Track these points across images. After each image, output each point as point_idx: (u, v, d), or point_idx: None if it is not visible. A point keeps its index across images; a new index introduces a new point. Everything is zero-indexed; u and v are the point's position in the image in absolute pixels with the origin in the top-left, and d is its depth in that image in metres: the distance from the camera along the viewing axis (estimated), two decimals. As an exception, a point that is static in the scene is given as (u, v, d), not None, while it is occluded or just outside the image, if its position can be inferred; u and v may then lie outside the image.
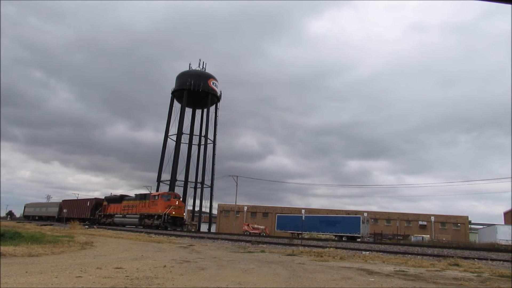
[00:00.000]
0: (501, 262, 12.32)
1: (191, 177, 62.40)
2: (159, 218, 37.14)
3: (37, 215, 66.37)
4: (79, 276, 6.85)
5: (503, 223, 62.44)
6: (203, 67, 64.56)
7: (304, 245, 17.55)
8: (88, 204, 50.97)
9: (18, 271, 7.38)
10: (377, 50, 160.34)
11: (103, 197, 54.70)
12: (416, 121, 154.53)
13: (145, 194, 44.15)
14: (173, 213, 37.35)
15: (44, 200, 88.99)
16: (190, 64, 64.66)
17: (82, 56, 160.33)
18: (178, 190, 58.73)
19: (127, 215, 42.73)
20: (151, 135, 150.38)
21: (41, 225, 41.50)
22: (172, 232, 29.89)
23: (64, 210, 55.12)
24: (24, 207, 74.63)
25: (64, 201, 60.87)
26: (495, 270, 9.70)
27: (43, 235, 20.23)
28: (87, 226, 38.10)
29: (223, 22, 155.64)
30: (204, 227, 60.84)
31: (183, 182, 61.12)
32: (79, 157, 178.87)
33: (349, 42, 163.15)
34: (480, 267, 10.41)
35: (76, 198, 66.02)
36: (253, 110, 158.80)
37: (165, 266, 8.79)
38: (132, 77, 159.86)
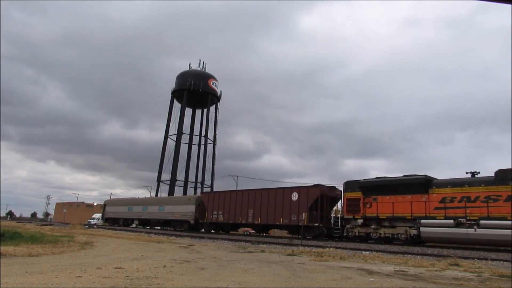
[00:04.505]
0: (501, 262, 12.31)
1: (191, 177, 62.48)
2: None
3: (137, 218, 38.81)
4: (79, 276, 6.85)
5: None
6: (203, 67, 64.80)
7: (304, 245, 17.54)
8: (295, 198, 24.52)
9: (18, 271, 7.38)
10: (371, 46, 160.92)
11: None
12: (412, 120, 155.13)
13: None
14: None
15: (45, 200, 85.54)
16: (190, 64, 64.91)
17: (71, 53, 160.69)
18: (178, 190, 58.73)
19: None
20: (146, 133, 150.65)
21: (41, 225, 41.48)
22: (172, 232, 29.77)
23: (216, 212, 29.65)
24: (104, 205, 46.29)
25: (206, 193, 33.44)
26: (495, 270, 9.69)
27: (43, 235, 20.23)
28: (87, 226, 37.94)
29: (213, 17, 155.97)
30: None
31: (183, 182, 61.19)
32: (74, 156, 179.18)
33: (341, 38, 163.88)
34: (480, 267, 10.41)
35: (247, 189, 29.90)
36: (246, 107, 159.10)
37: (165, 266, 8.79)
38: (123, 74, 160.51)
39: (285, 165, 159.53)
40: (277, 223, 25.56)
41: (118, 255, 11.55)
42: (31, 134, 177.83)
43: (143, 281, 6.60)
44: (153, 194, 60.84)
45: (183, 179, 61.28)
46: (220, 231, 30.49)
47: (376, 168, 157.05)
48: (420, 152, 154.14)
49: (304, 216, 23.77)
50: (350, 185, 22.50)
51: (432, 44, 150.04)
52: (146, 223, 38.57)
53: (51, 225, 43.41)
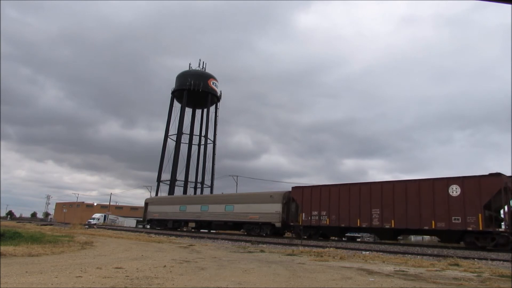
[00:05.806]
0: (501, 262, 12.32)
1: (191, 177, 62.52)
2: None
3: (194, 220, 32.45)
4: (79, 276, 6.85)
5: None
6: (203, 67, 64.85)
7: (304, 245, 17.54)
8: (456, 193, 18.60)
9: (18, 271, 7.38)
10: (369, 45, 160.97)
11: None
12: (410, 119, 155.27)
13: None
14: None
15: (44, 200, 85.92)
16: (190, 64, 64.96)
17: (68, 52, 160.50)
18: (178, 190, 58.75)
19: None
20: (145, 133, 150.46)
21: (41, 225, 41.47)
22: (172, 232, 29.71)
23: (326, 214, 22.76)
24: (146, 204, 38.24)
25: (299, 188, 25.34)
26: (495, 270, 9.69)
27: (43, 235, 20.23)
28: (87, 226, 37.95)
29: (210, 16, 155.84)
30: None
31: (183, 182, 61.22)
32: (73, 156, 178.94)
33: (339, 36, 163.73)
34: (480, 267, 10.41)
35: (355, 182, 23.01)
36: (244, 107, 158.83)
37: (165, 266, 8.79)
38: (120, 73, 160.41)
39: (283, 165, 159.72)
40: (425, 228, 18.97)
41: (118, 255, 11.55)
42: (29, 134, 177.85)
43: (143, 281, 6.60)
44: (153, 194, 60.88)
45: (183, 179, 61.35)
46: (320, 238, 23.63)
47: (375, 168, 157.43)
48: (419, 151, 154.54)
49: (477, 218, 17.42)
50: None
51: (430, 42, 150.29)
52: (206, 226, 31.69)
53: (51, 225, 43.43)
